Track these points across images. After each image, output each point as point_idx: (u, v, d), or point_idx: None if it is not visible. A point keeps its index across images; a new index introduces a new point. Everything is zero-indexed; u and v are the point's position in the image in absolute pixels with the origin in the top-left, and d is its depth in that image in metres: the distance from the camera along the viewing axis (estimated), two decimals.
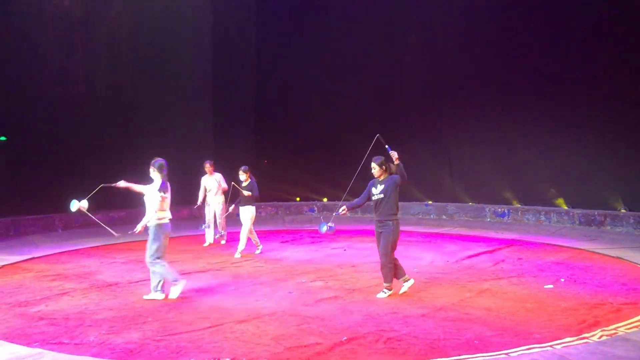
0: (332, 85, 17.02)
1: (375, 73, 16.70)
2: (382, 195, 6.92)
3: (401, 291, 7.16)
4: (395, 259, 7.12)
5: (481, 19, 15.22)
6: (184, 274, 8.48)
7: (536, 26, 14.40)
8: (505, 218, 14.83)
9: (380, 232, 7.03)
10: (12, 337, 5.57)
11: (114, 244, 11.21)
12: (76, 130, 14.13)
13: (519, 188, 14.95)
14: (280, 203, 17.24)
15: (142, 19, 15.55)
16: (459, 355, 4.96)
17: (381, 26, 16.71)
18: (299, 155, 16.82)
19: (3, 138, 12.96)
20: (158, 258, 7.00)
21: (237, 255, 10.00)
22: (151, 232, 7.00)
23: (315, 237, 12.70)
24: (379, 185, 7.00)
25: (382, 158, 7.03)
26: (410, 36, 16.69)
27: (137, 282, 8.05)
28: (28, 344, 5.33)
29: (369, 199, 7.06)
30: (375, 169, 7.01)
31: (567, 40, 13.92)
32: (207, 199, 11.51)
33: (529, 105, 14.55)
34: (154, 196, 6.97)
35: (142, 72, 15.57)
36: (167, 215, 7.08)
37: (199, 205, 11.54)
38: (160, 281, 7.06)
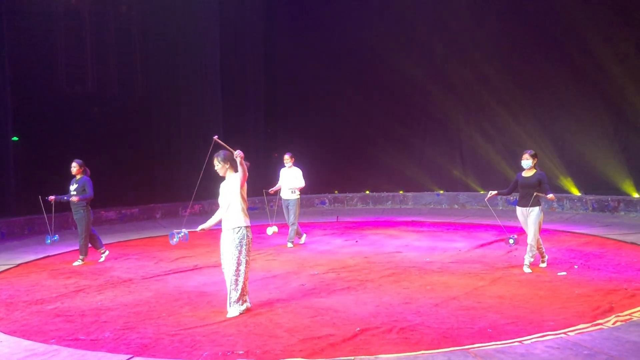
0: (342, 76, 17.05)
1: (385, 62, 16.64)
2: None
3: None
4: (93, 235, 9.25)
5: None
6: (196, 269, 8.58)
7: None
8: None
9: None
10: (29, 334, 5.65)
11: (126, 240, 11.33)
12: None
13: None
14: None
15: (151, 15, 15.58)
16: (473, 344, 4.95)
17: (392, 14, 16.68)
18: (309, 148, 16.83)
19: (15, 138, 13.10)
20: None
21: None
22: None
23: (327, 229, 12.73)
24: None
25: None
26: (421, 23, 16.60)
27: (151, 277, 8.11)
28: (44, 341, 5.39)
29: None
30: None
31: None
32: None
33: (538, 91, 14.53)
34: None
35: (152, 70, 15.66)
36: None
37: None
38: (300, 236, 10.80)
